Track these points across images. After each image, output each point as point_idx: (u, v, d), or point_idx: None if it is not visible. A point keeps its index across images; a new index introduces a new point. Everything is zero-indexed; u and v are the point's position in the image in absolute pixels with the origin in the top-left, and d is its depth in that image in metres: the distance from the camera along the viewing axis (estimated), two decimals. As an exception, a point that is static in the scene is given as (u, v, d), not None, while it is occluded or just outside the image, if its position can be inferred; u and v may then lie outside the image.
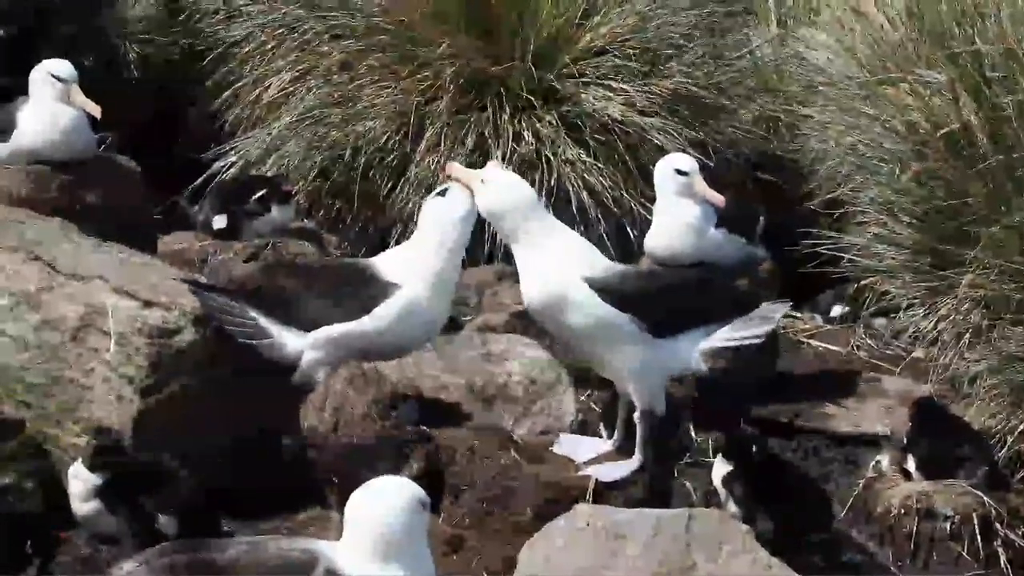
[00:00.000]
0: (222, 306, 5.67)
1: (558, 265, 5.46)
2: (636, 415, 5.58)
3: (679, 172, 6.81)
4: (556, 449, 5.70)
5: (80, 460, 5.47)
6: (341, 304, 5.67)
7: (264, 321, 5.70)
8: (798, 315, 7.60)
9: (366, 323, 5.67)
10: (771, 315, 5.70)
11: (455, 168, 5.78)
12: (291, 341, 5.69)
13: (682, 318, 5.58)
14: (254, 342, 5.67)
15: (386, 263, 5.80)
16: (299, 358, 5.68)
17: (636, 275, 5.60)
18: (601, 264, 5.54)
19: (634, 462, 5.61)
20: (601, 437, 6.04)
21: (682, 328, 5.58)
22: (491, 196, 5.56)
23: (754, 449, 5.67)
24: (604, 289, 5.45)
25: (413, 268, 5.72)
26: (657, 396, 5.58)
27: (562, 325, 5.54)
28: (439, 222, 5.75)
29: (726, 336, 5.63)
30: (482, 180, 5.60)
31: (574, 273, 5.45)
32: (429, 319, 5.75)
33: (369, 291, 5.70)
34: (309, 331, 5.67)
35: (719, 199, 6.74)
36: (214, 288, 5.76)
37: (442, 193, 5.78)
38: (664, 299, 5.57)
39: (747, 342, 5.67)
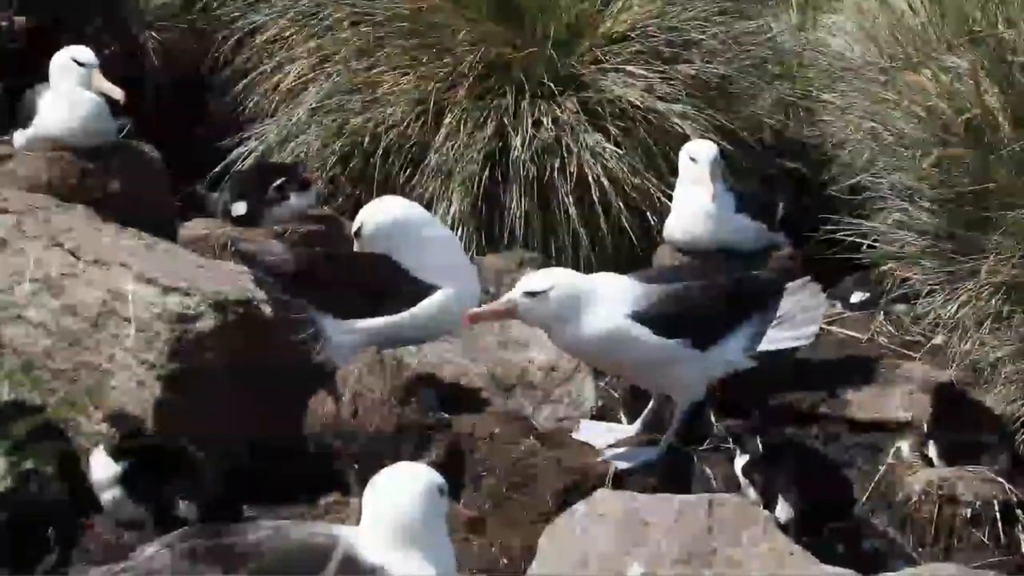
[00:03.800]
0: (269, 286, 5.75)
1: (604, 306, 5.42)
2: (674, 409, 5.58)
3: (691, 159, 6.82)
4: (576, 435, 5.70)
5: (102, 446, 5.49)
6: (385, 297, 5.73)
7: (305, 305, 5.77)
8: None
9: (407, 318, 5.74)
10: (812, 310, 5.71)
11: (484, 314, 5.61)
12: (329, 327, 5.75)
13: (721, 326, 5.58)
14: (303, 332, 5.73)
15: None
16: (333, 344, 5.74)
17: (674, 296, 5.52)
18: (639, 293, 5.49)
19: (656, 449, 5.61)
20: (621, 423, 6.04)
21: (723, 334, 5.57)
22: (547, 305, 5.42)
23: (759, 441, 5.69)
24: (651, 320, 5.44)
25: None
26: (699, 395, 5.63)
27: (618, 362, 5.56)
28: None
29: (777, 337, 5.64)
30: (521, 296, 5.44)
31: (619, 312, 5.43)
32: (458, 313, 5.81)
33: (411, 287, 5.77)
34: (345, 319, 5.72)
35: (708, 193, 6.73)
36: (262, 266, 5.83)
37: None
38: (704, 314, 5.54)
39: (800, 342, 5.71)
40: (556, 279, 5.41)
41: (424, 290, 5.81)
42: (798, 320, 5.70)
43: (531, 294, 5.38)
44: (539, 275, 5.49)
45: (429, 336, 5.95)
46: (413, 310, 5.80)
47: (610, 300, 5.43)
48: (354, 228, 5.96)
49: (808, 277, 5.88)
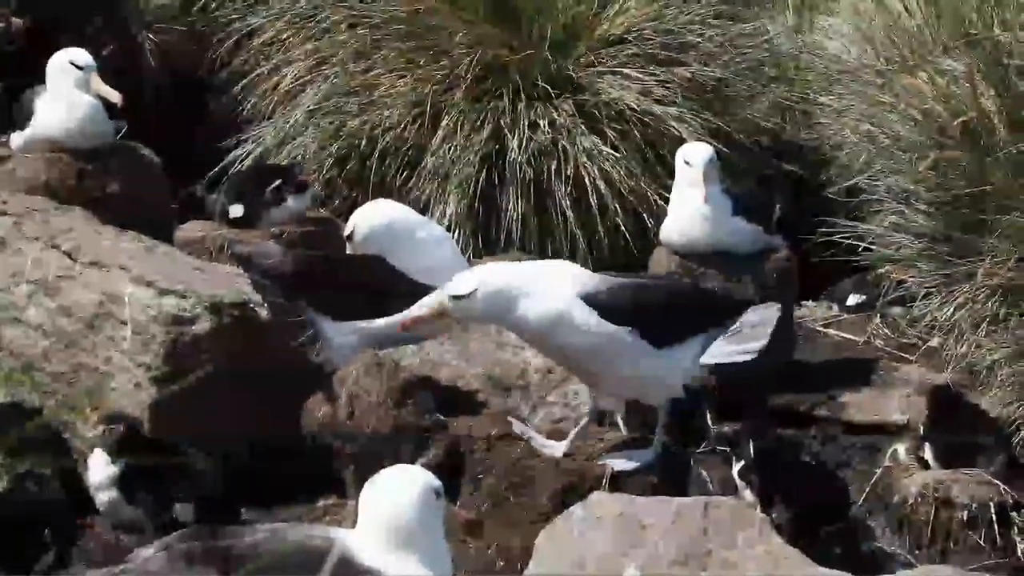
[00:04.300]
0: (267, 289, 5.77)
1: (552, 287, 5.29)
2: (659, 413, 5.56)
3: (686, 162, 6.82)
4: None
5: (99, 448, 5.50)
6: (382, 298, 5.75)
7: (304, 308, 5.79)
8: (815, 304, 7.60)
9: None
10: (762, 326, 5.62)
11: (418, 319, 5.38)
12: (327, 328, 5.76)
13: (682, 328, 5.49)
14: (302, 334, 5.75)
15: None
16: (333, 345, 5.75)
17: (630, 287, 5.40)
18: (592, 280, 5.36)
19: (651, 451, 5.61)
20: (617, 426, 6.04)
21: (682, 337, 5.49)
22: (475, 305, 5.25)
23: (752, 446, 5.69)
24: (600, 305, 5.29)
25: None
26: (674, 393, 5.54)
27: (563, 346, 5.35)
28: None
29: (721, 351, 5.55)
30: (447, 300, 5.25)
31: (568, 292, 5.29)
32: None
33: (408, 288, 5.78)
34: (343, 321, 5.75)
35: (699, 197, 6.71)
36: (259, 269, 5.84)
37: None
38: (662, 310, 5.46)
39: (744, 357, 5.59)
40: (481, 278, 5.23)
41: (421, 291, 5.81)
42: (746, 334, 5.59)
43: (457, 298, 5.24)
44: (465, 276, 5.30)
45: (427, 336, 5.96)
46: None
47: (557, 283, 5.31)
48: (346, 232, 5.96)
49: (777, 304, 5.79)
